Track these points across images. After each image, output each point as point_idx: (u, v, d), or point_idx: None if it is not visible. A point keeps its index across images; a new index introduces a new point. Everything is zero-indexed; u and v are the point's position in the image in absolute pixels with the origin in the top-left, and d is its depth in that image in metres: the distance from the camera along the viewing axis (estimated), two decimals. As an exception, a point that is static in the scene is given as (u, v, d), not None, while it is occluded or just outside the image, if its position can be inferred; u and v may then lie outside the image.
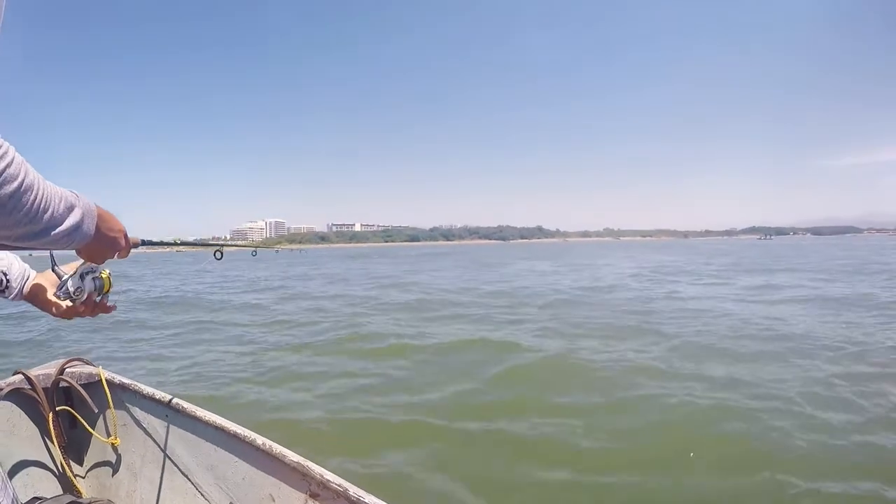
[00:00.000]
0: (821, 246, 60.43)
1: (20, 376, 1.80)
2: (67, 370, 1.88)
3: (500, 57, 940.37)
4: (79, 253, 0.89)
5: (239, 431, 1.56)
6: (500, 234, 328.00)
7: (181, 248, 1.71)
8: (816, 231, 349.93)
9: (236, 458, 1.57)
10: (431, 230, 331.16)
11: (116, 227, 0.89)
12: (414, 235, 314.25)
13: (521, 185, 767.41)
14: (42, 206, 0.64)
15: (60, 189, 0.71)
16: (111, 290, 1.15)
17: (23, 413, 1.81)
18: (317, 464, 1.39)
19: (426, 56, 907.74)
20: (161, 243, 1.33)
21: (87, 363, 1.95)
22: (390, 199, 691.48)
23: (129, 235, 0.97)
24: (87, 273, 1.09)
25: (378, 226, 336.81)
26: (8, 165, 0.58)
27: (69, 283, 1.07)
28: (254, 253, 1.90)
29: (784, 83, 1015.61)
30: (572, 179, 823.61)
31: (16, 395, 1.78)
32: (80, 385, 1.85)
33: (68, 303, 1.10)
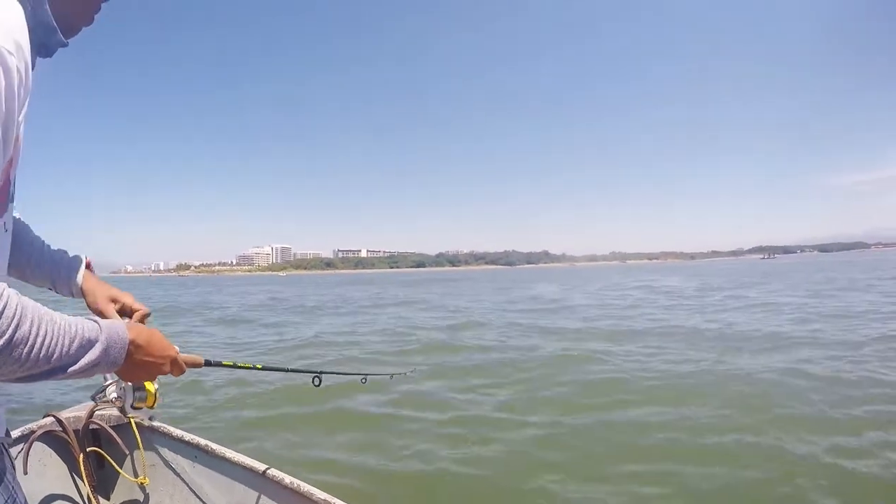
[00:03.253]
0: (824, 263, 61.11)
1: (51, 419, 1.84)
2: (97, 413, 1.91)
3: (505, 82, 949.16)
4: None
5: (267, 471, 1.62)
6: (507, 259, 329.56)
7: (264, 371, 1.39)
8: (824, 248, 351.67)
9: (265, 497, 1.63)
10: (437, 256, 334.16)
11: (158, 353, 0.87)
12: (420, 261, 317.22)
13: (525, 209, 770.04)
14: (44, 352, 0.64)
15: (77, 323, 0.70)
16: (156, 405, 1.09)
17: (53, 454, 1.85)
18: (344, 501, 1.45)
19: (431, 83, 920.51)
20: (234, 366, 1.22)
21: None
22: (395, 225, 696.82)
23: (185, 356, 0.99)
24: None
25: (384, 251, 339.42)
26: None
27: (110, 389, 1.06)
28: (363, 381, 1.88)
29: (787, 101, 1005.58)
30: (576, 203, 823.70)
31: (47, 437, 1.82)
32: (109, 427, 1.90)
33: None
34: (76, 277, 1.09)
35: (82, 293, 1.10)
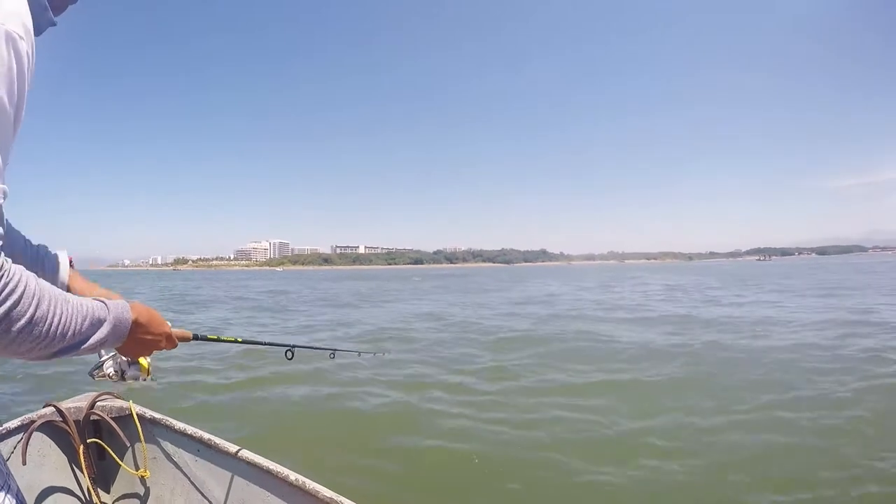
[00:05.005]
0: (814, 266, 64.19)
1: (51, 409, 1.81)
2: (98, 404, 1.88)
3: (506, 83, 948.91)
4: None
5: (272, 467, 1.58)
6: (504, 257, 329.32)
7: (244, 345, 1.52)
8: (822, 251, 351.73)
9: (268, 494, 1.59)
10: (435, 253, 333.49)
11: (156, 331, 0.94)
12: (418, 258, 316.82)
13: (522, 208, 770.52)
14: (59, 330, 0.67)
15: (87, 303, 0.74)
16: (150, 375, 1.21)
17: (53, 444, 1.80)
18: (351, 500, 1.42)
19: (431, 82, 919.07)
20: (218, 339, 1.33)
21: (118, 397, 1.95)
22: (393, 221, 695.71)
23: (177, 332, 1.06)
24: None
25: (382, 248, 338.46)
26: (14, 306, 0.60)
27: (108, 365, 1.16)
28: (332, 356, 1.84)
29: (785, 105, 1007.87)
30: (574, 203, 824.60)
31: (47, 427, 1.78)
32: (110, 418, 1.85)
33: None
34: (60, 274, 1.08)
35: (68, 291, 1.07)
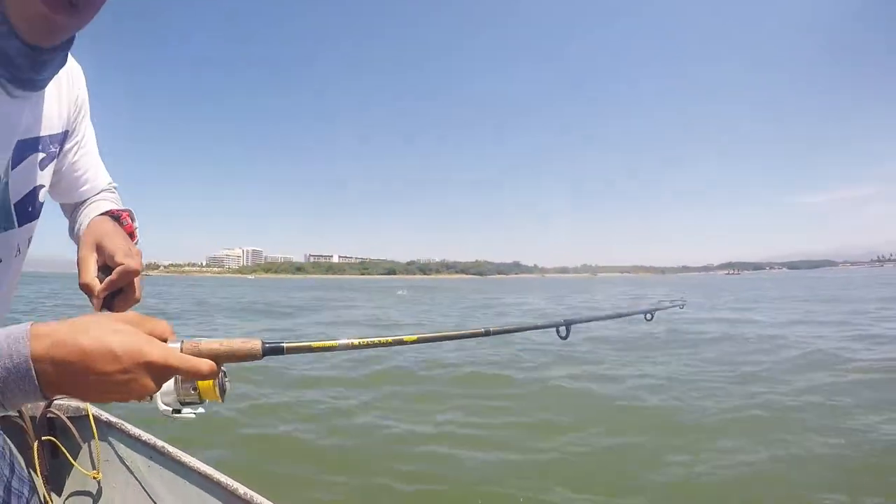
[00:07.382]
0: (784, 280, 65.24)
1: None
2: (56, 402, 1.89)
3: (477, 95, 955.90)
4: None
5: (222, 479, 1.58)
6: (478, 269, 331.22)
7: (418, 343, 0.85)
8: (793, 266, 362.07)
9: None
10: (408, 264, 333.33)
11: (110, 367, 0.47)
12: (391, 268, 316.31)
13: (496, 220, 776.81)
14: None
15: None
16: (223, 397, 0.69)
17: (7, 440, 1.63)
18: None
19: (405, 94, 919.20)
20: (313, 352, 0.71)
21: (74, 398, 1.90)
22: (367, 231, 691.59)
23: (208, 344, 0.57)
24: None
25: (355, 258, 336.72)
26: None
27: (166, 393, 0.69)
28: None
29: (759, 122, 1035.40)
30: (548, 216, 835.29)
31: (2, 422, 1.64)
32: (66, 417, 1.87)
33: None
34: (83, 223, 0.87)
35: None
